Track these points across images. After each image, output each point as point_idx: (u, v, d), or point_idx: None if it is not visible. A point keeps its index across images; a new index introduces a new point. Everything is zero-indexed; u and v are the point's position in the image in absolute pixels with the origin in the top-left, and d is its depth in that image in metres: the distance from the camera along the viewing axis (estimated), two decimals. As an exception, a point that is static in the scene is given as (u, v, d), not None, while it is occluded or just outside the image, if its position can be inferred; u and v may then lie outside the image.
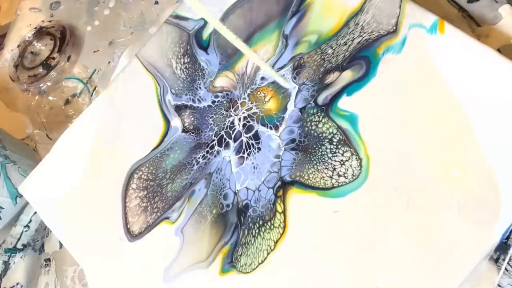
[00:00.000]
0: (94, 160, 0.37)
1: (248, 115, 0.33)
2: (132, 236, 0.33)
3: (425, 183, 0.26)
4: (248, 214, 0.30)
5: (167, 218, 0.33)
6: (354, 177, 0.28)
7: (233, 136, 0.33)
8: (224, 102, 0.34)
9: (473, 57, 0.27)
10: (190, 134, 0.34)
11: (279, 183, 0.30)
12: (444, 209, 0.25)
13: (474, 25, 0.33)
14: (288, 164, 0.30)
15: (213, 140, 0.33)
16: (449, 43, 0.28)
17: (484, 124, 0.26)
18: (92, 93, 0.49)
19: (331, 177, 0.28)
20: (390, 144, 0.27)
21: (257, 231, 0.29)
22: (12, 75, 0.52)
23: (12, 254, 0.43)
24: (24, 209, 0.44)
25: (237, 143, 0.32)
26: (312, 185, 0.29)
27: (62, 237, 0.36)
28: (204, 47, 0.36)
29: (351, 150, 0.28)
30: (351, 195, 0.27)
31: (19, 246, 0.43)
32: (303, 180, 0.29)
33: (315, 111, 0.30)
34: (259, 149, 0.31)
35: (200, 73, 0.36)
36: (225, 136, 0.33)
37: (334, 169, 0.28)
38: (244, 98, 0.33)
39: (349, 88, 0.30)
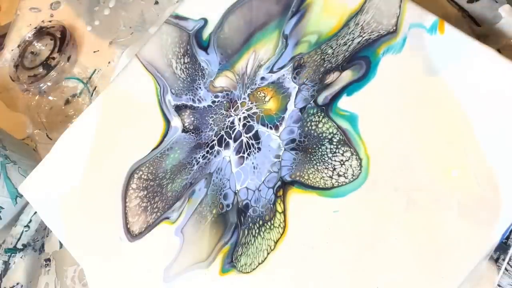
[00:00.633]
0: (94, 160, 0.37)
1: (248, 115, 0.33)
2: (132, 236, 0.33)
3: (425, 183, 0.26)
4: (248, 214, 0.30)
5: (167, 218, 0.33)
6: (354, 177, 0.28)
7: (233, 136, 0.33)
8: (224, 102, 0.34)
9: (473, 57, 0.27)
10: (190, 134, 0.34)
11: (279, 183, 0.30)
12: (444, 209, 0.25)
13: (474, 25, 0.33)
14: (288, 164, 0.30)
15: (213, 140, 0.33)
16: (449, 43, 0.28)
17: (484, 124, 0.26)
18: (92, 93, 0.49)
19: (331, 177, 0.28)
20: (390, 144, 0.27)
21: (257, 231, 0.29)
22: (12, 75, 0.52)
23: (12, 254, 0.43)
24: (24, 209, 0.44)
25: (237, 143, 0.32)
26: (312, 185, 0.29)
27: (62, 237, 0.36)
28: (204, 47, 0.36)
29: (351, 150, 0.28)
30: (351, 195, 0.27)
31: (19, 246, 0.43)
32: (303, 180, 0.29)
33: (315, 111, 0.30)
34: (259, 149, 0.31)
35: (200, 73, 0.36)
36: (225, 136, 0.33)
37: (334, 169, 0.28)
38: (244, 98, 0.33)
39: (349, 88, 0.30)
